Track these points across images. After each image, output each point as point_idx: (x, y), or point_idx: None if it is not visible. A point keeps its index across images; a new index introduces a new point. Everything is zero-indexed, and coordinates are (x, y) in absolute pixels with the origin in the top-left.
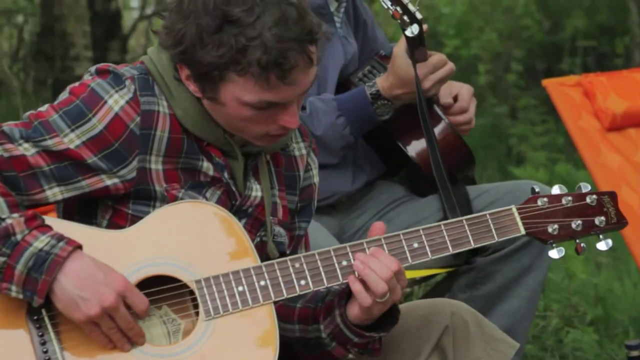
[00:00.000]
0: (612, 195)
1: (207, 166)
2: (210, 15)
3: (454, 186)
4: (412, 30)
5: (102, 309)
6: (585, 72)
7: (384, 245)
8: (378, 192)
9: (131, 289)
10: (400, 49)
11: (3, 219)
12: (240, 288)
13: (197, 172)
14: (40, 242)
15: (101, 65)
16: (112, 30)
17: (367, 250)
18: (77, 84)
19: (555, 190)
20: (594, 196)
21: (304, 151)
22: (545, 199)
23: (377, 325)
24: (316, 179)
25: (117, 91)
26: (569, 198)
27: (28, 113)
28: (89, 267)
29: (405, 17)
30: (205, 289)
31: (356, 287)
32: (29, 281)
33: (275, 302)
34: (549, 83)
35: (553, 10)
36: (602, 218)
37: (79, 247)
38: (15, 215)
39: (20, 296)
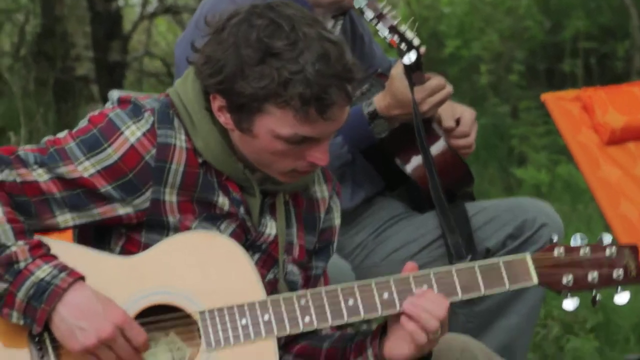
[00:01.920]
0: (634, 249)
1: (222, 201)
2: (253, 47)
3: (452, 203)
4: (410, 57)
5: (99, 340)
6: (586, 73)
7: (393, 286)
8: (377, 209)
9: (129, 323)
10: (397, 71)
11: (8, 246)
12: (244, 321)
13: (212, 205)
14: (42, 271)
15: (124, 95)
16: (113, 31)
17: (375, 290)
18: (96, 112)
19: (575, 240)
20: (614, 248)
21: (326, 194)
22: (562, 250)
23: None
24: (337, 221)
25: (134, 122)
26: (587, 249)
27: (45, 139)
28: (89, 299)
29: (403, 45)
30: (208, 321)
31: (410, 326)
32: (29, 309)
33: (278, 337)
34: (548, 97)
35: (555, 11)
36: (621, 271)
37: (81, 278)
38: (21, 242)
39: (21, 322)
